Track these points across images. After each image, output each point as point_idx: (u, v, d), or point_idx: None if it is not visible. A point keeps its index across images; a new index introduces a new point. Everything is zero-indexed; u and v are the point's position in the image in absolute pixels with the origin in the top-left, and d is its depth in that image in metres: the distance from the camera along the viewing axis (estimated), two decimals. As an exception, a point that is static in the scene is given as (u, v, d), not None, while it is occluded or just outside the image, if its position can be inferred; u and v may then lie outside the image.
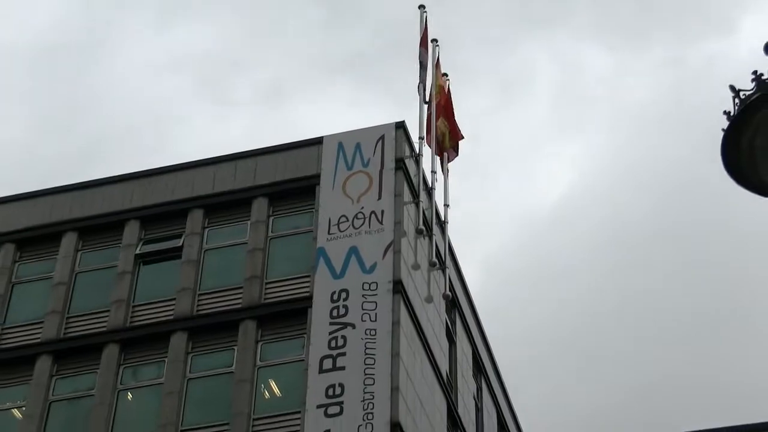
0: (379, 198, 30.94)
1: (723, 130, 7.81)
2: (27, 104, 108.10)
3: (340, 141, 32.35)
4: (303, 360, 29.29)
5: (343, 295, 29.48)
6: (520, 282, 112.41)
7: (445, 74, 36.56)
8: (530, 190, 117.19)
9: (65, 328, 32.81)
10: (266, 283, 31.39)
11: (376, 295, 29.25)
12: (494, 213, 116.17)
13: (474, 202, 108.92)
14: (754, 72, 8.30)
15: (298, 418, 28.34)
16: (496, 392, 40.00)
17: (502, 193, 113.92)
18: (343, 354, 28.53)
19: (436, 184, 34.38)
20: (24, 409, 31.48)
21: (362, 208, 30.95)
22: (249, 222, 32.72)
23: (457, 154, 35.58)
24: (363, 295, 29.37)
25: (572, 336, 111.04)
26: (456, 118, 36.17)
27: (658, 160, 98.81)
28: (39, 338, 32.83)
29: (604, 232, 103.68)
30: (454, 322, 35.86)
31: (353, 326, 28.88)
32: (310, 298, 30.04)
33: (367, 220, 30.64)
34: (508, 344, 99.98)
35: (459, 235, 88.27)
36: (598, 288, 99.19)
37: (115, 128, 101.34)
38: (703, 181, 79.38)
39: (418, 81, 35.52)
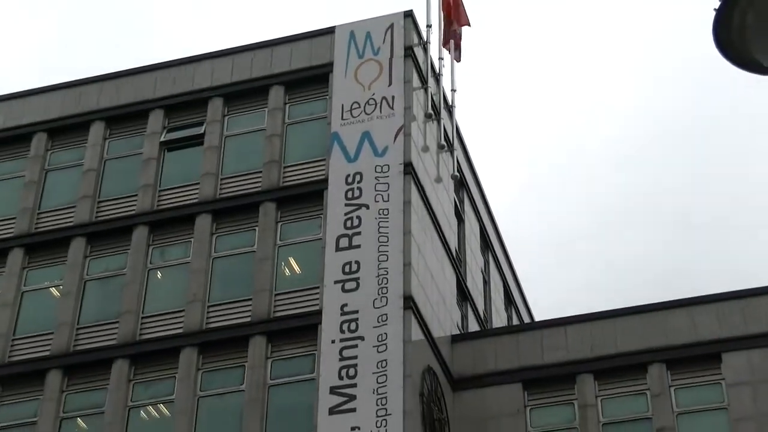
0: (390, 84, 30.72)
1: (715, 9, 7.34)
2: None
3: (352, 30, 32.03)
4: (320, 239, 29.57)
5: (357, 177, 29.61)
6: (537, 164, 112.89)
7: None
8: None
9: (96, 212, 32.97)
10: (284, 167, 31.49)
11: (388, 177, 29.36)
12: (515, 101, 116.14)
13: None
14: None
15: (317, 294, 28.61)
16: (502, 266, 40.16)
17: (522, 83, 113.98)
18: (358, 233, 28.75)
19: (443, 69, 33.79)
20: (61, 287, 31.76)
21: (373, 94, 30.78)
22: (266, 109, 32.61)
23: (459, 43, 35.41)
24: (376, 177, 29.50)
25: (580, 213, 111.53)
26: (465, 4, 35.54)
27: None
28: (72, 221, 32.94)
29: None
30: (462, 201, 35.96)
31: (367, 207, 29.07)
32: (325, 181, 30.27)
33: (378, 105, 30.48)
34: (516, 221, 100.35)
35: (472, 118, 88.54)
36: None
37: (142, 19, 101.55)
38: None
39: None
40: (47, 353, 30.48)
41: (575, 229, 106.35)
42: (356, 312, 27.68)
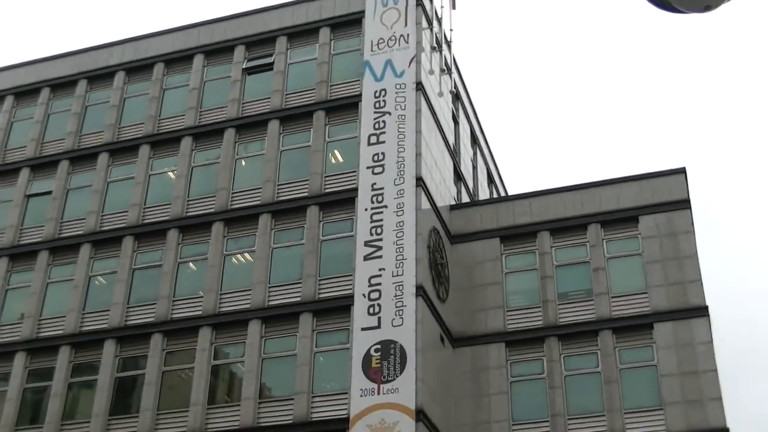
0: (406, 26, 31.46)
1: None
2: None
3: (378, -14, 32.51)
4: (356, 137, 30.74)
5: (382, 92, 30.69)
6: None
7: None
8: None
9: (199, 120, 34.02)
10: (330, 86, 32.39)
11: (404, 92, 30.43)
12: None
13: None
14: None
15: (355, 176, 30.08)
16: (486, 156, 40.75)
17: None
18: (383, 132, 30.01)
19: (445, 14, 33.73)
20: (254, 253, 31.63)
21: (394, 33, 31.55)
22: (317, 44, 33.32)
23: None
24: (395, 93, 30.54)
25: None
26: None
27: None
28: (183, 123, 34.11)
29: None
30: (457, 109, 36.64)
31: (389, 113, 30.26)
32: (360, 95, 31.20)
33: (397, 41, 31.32)
34: (497, 123, 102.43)
35: (466, 50, 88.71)
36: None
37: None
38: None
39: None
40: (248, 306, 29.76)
41: (544, 126, 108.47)
42: (382, 188, 29.07)
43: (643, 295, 29.26)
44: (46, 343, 31.73)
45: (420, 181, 29.26)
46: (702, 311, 28.35)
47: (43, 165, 35.80)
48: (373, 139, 30.36)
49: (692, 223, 29.92)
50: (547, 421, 28.22)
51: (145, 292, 31.50)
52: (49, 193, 35.05)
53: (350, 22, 33.50)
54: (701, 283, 28.84)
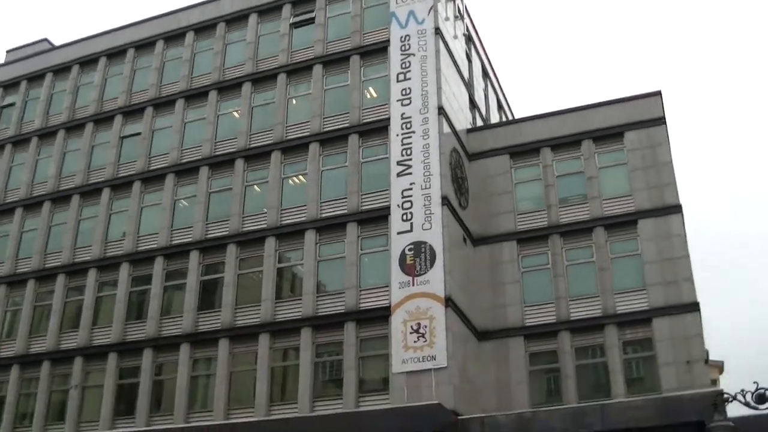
0: None
1: None
2: None
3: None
4: (387, 76, 30.69)
5: (407, 37, 30.58)
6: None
7: None
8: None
9: (256, 68, 33.86)
10: (363, 34, 32.11)
11: (425, 36, 30.30)
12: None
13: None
14: None
15: (387, 108, 30.02)
16: (495, 87, 40.21)
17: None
18: (409, 71, 29.99)
19: None
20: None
21: None
22: (351, 0, 33.00)
23: None
24: (418, 37, 30.43)
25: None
26: None
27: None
28: (243, 71, 34.72)
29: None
30: (470, 49, 36.14)
31: (413, 55, 30.15)
32: (388, 41, 31.08)
33: None
34: (506, 59, 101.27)
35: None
36: None
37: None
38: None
39: None
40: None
41: (544, 58, 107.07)
42: (410, 117, 29.17)
43: (629, 197, 29.23)
44: (144, 255, 32.40)
45: (441, 110, 29.26)
46: (677, 209, 28.43)
47: (132, 112, 36.02)
48: (401, 77, 30.31)
49: (667, 137, 29.71)
50: (552, 302, 28.56)
51: (220, 211, 31.87)
52: (138, 134, 35.36)
53: (379, -18, 32.56)
54: (676, 186, 28.82)
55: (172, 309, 31.22)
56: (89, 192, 35.14)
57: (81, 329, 32.25)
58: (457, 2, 33.75)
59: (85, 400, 31.16)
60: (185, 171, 33.29)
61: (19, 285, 34.71)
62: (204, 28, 36.03)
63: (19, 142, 38.39)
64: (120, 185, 34.54)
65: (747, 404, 18.04)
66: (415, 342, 25.94)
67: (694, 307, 26.73)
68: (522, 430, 24.54)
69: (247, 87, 33.64)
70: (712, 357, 34.57)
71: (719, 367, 50.47)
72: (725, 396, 18.79)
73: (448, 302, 26.28)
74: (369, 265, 28.54)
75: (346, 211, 29.42)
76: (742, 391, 17.92)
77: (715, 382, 35.15)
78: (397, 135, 29.33)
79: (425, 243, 27.21)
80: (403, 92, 30.01)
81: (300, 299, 28.81)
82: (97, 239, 33.73)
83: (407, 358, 25.88)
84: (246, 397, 28.31)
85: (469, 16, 36.49)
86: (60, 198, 35.75)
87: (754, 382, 17.48)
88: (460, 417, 24.93)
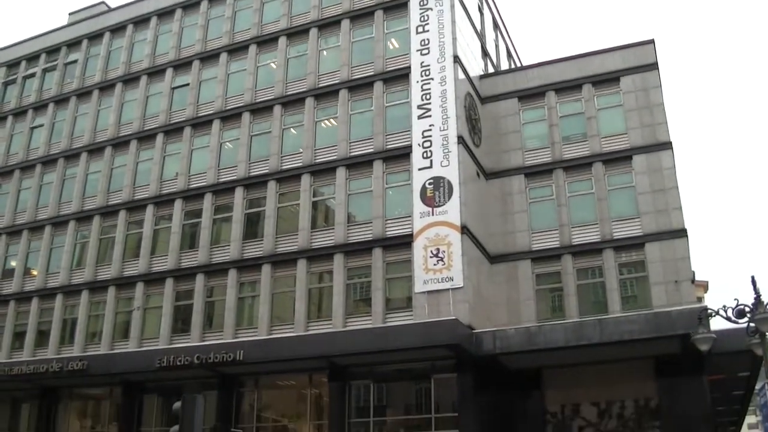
0: None
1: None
2: None
3: None
4: (407, 28, 30.26)
5: None
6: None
7: None
8: None
9: (290, 24, 33.59)
10: None
11: None
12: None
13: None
14: None
15: (408, 58, 29.62)
16: (506, 37, 39.42)
17: None
18: (427, 23, 29.74)
19: None
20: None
21: None
22: None
23: None
24: None
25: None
26: None
27: None
28: (278, 28, 34.67)
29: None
30: (482, 2, 35.25)
31: (431, 9, 29.77)
32: None
33: None
34: (515, 12, 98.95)
35: None
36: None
37: None
38: None
39: None
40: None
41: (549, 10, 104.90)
42: (429, 66, 28.90)
43: (624, 135, 28.96)
44: (195, 192, 32.62)
45: (456, 59, 28.97)
46: (667, 145, 28.17)
47: (182, 65, 35.84)
48: (420, 29, 29.99)
49: (660, 81, 29.32)
50: (556, 229, 28.58)
51: (261, 151, 31.89)
52: (187, 85, 35.29)
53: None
54: (667, 125, 28.49)
55: (220, 239, 31.46)
56: (145, 137, 35.24)
57: (141, 258, 32.72)
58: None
59: (146, 320, 31.73)
60: (229, 117, 33.23)
61: (86, 220, 35.17)
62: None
63: (82, 94, 38.46)
64: (172, 130, 34.59)
65: (728, 319, 18.17)
66: (434, 265, 26.13)
67: (682, 233, 26.73)
68: (529, 342, 24.72)
69: (282, 41, 33.34)
70: (698, 277, 34.71)
71: (704, 286, 50.62)
72: (709, 311, 18.93)
73: (464, 230, 26.37)
74: (393, 197, 28.55)
75: (372, 150, 29.36)
76: (724, 307, 18.08)
77: (700, 299, 35.37)
78: (417, 82, 29.08)
79: (443, 178, 27.19)
80: (422, 43, 29.68)
81: (333, 229, 28.98)
82: (153, 179, 33.99)
83: (428, 279, 26.11)
84: (286, 315, 28.70)
85: (482, -26, 35.61)
86: (119, 143, 35.92)
87: (735, 299, 17.64)
88: (474, 330, 25.18)
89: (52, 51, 40.73)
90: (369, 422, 26.48)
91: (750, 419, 47.33)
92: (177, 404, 13.49)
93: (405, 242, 27.15)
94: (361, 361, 26.14)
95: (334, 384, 26.78)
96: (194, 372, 28.09)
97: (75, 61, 39.66)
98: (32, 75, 40.83)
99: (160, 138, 34.67)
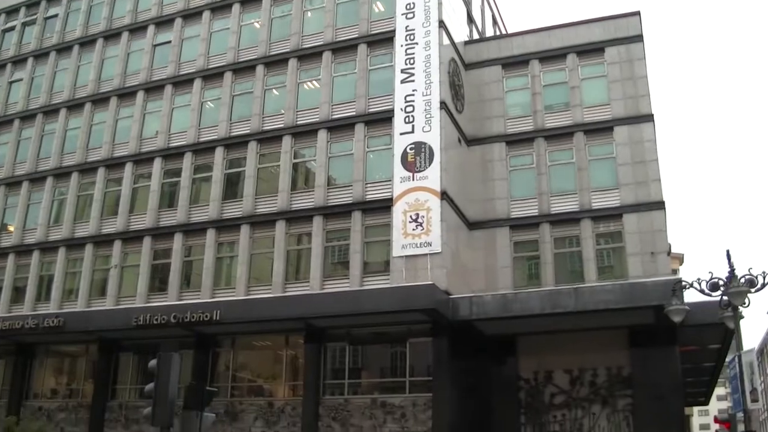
0: None
1: None
2: None
3: None
4: None
5: None
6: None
7: None
8: None
9: None
10: None
11: None
12: None
13: None
14: None
15: (392, 21, 29.12)
16: (491, 3, 38.68)
17: None
18: None
19: None
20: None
21: None
22: None
23: None
24: None
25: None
26: None
27: None
28: None
29: None
30: None
31: None
32: None
33: None
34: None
35: None
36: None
37: None
38: None
39: None
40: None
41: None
42: (413, 30, 28.37)
43: (607, 106, 28.72)
44: (175, 150, 32.01)
45: (442, 24, 28.52)
46: (649, 118, 27.97)
47: (164, 22, 35.01)
48: (407, -5, 29.22)
49: (644, 53, 29.04)
50: (536, 198, 28.42)
51: (243, 112, 31.34)
52: (169, 42, 34.50)
53: None
54: (649, 97, 28.28)
55: (199, 198, 31.02)
56: (125, 94, 34.49)
57: (119, 216, 32.24)
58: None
59: (123, 278, 31.33)
60: (211, 76, 32.56)
61: (64, 177, 34.50)
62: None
63: (62, 49, 37.50)
64: (153, 88, 33.87)
65: (702, 291, 18.26)
66: (413, 230, 25.89)
67: (660, 205, 26.67)
68: (504, 309, 24.71)
69: (267, 0, 32.63)
70: (674, 250, 34.75)
71: (680, 258, 50.89)
72: (683, 284, 18.98)
73: (444, 195, 26.11)
74: (374, 161, 28.20)
75: (354, 113, 28.86)
76: (698, 279, 18.15)
77: (675, 271, 35.48)
78: (401, 46, 28.58)
79: (425, 143, 26.86)
80: (407, 7, 29.15)
81: (313, 191, 28.64)
82: (133, 136, 33.34)
83: (406, 243, 25.87)
84: (264, 276, 28.45)
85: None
86: (99, 100, 35.12)
87: (709, 272, 17.64)
88: (451, 296, 25.09)
89: (32, 5, 39.65)
90: (344, 384, 26.40)
91: (719, 391, 47.91)
92: (153, 362, 13.31)
93: (384, 206, 26.86)
94: (337, 323, 25.99)
95: (309, 346, 26.63)
96: (171, 331, 27.77)
97: (55, 16, 38.64)
98: (11, 29, 39.82)
99: (140, 95, 33.96)
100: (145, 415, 13.29)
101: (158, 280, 30.61)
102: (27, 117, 36.94)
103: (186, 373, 26.80)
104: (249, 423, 26.96)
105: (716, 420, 20.57)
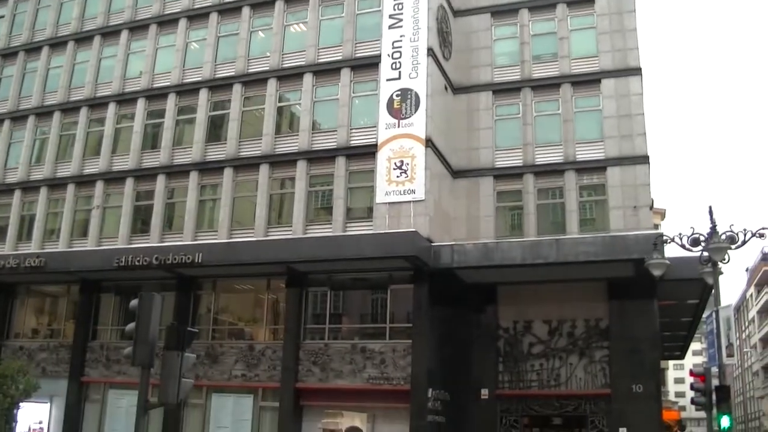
0: None
1: None
2: None
3: None
4: None
5: None
6: None
7: None
8: None
9: None
10: None
11: None
12: None
13: None
14: None
15: None
16: None
17: None
18: None
19: None
20: None
21: None
22: None
23: None
24: None
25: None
26: None
27: None
28: None
29: None
30: None
31: None
32: None
33: None
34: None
35: None
36: None
37: None
38: None
39: None
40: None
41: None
42: None
43: (595, 58, 28.10)
44: (159, 91, 31.18)
45: (434, -19, 27.52)
46: (637, 71, 27.46)
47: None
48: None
49: (634, 5, 28.40)
50: (520, 148, 27.98)
51: (228, 53, 30.46)
52: (153, -19, 33.47)
53: None
54: (638, 50, 27.72)
55: (183, 140, 30.36)
56: (109, 33, 33.46)
57: (102, 156, 31.52)
58: None
59: (105, 219, 30.84)
60: (197, 16, 31.62)
61: (46, 116, 33.63)
62: None
63: (45, -15, 36.34)
64: (137, 27, 32.89)
65: (683, 246, 18.27)
66: (397, 177, 25.48)
67: (644, 159, 26.33)
68: (486, 258, 24.44)
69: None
70: (656, 205, 34.60)
71: (662, 214, 50.90)
72: (664, 238, 18.87)
73: (429, 143, 25.62)
74: (359, 107, 27.59)
75: (341, 58, 28.08)
76: (680, 234, 18.09)
77: (657, 226, 35.40)
78: (391, -3, 27.65)
79: (411, 90, 26.29)
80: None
81: (297, 135, 28.06)
82: (117, 76, 32.45)
83: (390, 190, 25.48)
84: (247, 219, 28.06)
85: None
86: (82, 38, 34.07)
87: (691, 227, 17.48)
88: (433, 244, 24.79)
89: (14, -61, 38.19)
90: (324, 329, 26.18)
91: (695, 346, 48.44)
92: (134, 301, 12.98)
93: (369, 152, 26.35)
94: (319, 268, 25.68)
95: (291, 290, 26.35)
96: (152, 273, 27.38)
97: (37, -49, 37.31)
98: (-7, -36, 38.43)
99: (124, 35, 32.99)
100: (125, 355, 13.02)
101: (140, 222, 30.17)
102: (8, 55, 35.94)
103: (167, 315, 26.29)
104: (230, 365, 26.76)
105: (692, 373, 20.67)
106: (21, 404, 23.92)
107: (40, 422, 29.07)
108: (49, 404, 29.05)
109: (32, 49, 35.30)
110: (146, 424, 13.56)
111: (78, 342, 29.40)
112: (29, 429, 28.41)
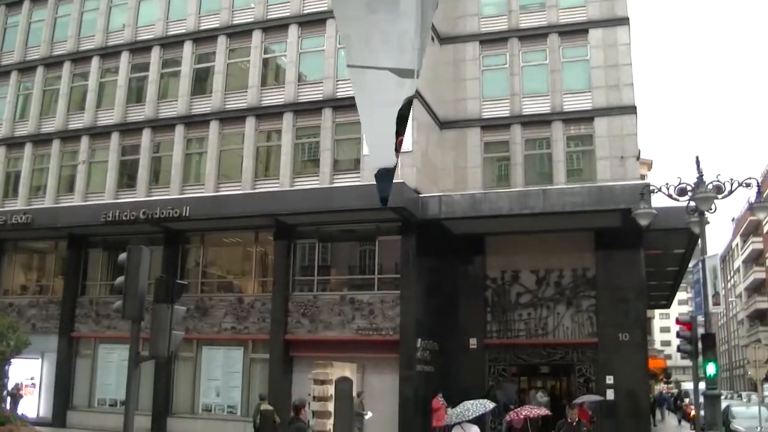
0: None
1: None
2: None
3: None
4: None
5: None
6: None
7: None
8: None
9: None
10: None
11: None
12: None
13: None
14: None
15: None
16: None
17: None
18: None
19: None
20: None
21: None
22: None
23: None
24: None
25: None
26: None
27: None
28: None
29: None
30: None
31: None
32: None
33: None
34: None
35: None
36: None
37: None
38: None
39: None
40: None
41: None
42: None
43: (582, 8, 27.66)
44: (143, 44, 30.43)
45: None
46: (624, 21, 27.03)
47: None
48: None
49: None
50: (507, 98, 27.62)
51: (212, 5, 29.62)
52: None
53: None
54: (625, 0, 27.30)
55: (168, 94, 29.77)
56: (91, -15, 32.62)
57: (86, 111, 30.90)
58: None
59: (91, 174, 30.38)
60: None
61: (29, 71, 32.82)
62: None
63: (25, -63, 35.20)
64: (118, -21, 32.05)
65: (669, 196, 18.14)
66: (384, 128, 25.09)
67: (631, 110, 26.10)
68: (474, 208, 24.25)
69: None
70: (643, 155, 34.39)
71: (648, 164, 50.79)
72: (651, 188, 18.68)
73: (415, 94, 25.09)
74: (345, 58, 27.01)
75: (326, 8, 27.11)
76: (667, 184, 17.91)
77: (643, 177, 35.15)
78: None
79: (397, 39, 25.71)
80: None
81: (283, 87, 27.54)
82: (99, 29, 31.62)
83: (377, 142, 25.10)
84: (234, 172, 27.68)
85: None
86: (64, -9, 33.24)
87: (678, 177, 17.30)
88: (421, 195, 24.54)
89: None
90: (313, 281, 26.02)
91: (680, 296, 48.67)
92: (123, 255, 12.72)
93: (355, 104, 25.72)
94: (307, 220, 25.42)
95: (279, 242, 26.11)
96: (140, 227, 27.09)
97: None
98: None
99: (108, -12, 32.13)
100: (115, 309, 12.84)
101: (127, 176, 29.74)
102: (-11, 9, 34.94)
103: (156, 269, 25.98)
104: (219, 318, 26.62)
105: (678, 321, 20.66)
106: (12, 360, 23.70)
107: (32, 378, 28.92)
108: (40, 360, 28.91)
109: (13, 3, 34.33)
110: (138, 377, 13.39)
111: (67, 297, 29.16)
112: (18, 385, 28.18)
